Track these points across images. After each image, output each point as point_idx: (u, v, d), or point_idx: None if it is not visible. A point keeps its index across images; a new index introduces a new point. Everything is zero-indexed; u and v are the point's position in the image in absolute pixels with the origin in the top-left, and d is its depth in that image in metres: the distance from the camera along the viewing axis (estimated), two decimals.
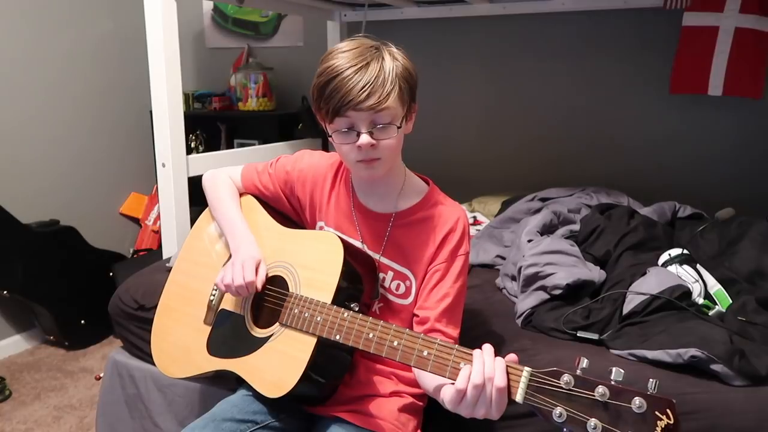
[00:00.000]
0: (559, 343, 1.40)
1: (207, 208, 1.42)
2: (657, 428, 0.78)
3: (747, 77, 2.25)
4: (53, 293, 2.71)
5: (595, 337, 1.39)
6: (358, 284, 1.18)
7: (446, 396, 0.97)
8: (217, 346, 1.25)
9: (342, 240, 1.18)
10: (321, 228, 1.30)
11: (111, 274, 2.93)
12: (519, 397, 0.89)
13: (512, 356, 0.93)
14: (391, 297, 1.24)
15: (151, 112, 2.01)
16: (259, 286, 1.19)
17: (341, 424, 1.16)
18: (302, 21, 3.14)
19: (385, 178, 1.22)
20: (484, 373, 0.90)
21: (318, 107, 1.14)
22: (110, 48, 3.13)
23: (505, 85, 2.82)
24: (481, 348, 0.95)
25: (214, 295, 1.29)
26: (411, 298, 1.23)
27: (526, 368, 0.90)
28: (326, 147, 2.84)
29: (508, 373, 0.91)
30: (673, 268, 1.54)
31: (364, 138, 1.10)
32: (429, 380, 1.09)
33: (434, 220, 1.22)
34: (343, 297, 1.13)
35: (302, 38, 3.17)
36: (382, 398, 1.20)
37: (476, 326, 1.49)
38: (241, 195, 1.39)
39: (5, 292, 2.60)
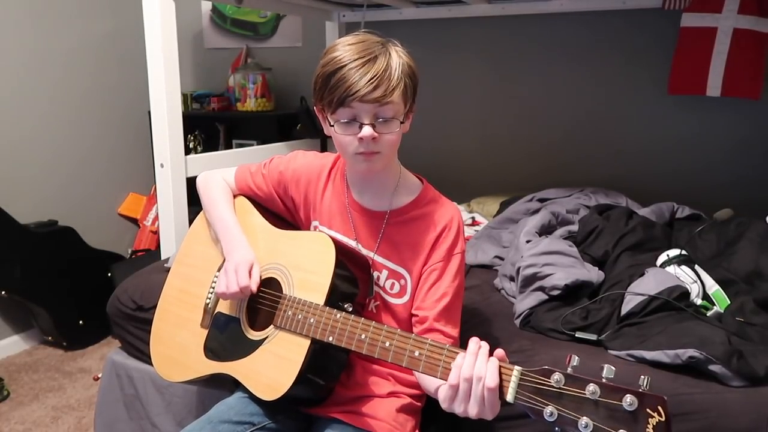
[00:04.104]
0: (557, 343, 1.40)
1: (202, 211, 1.42)
2: (649, 426, 0.78)
3: (745, 78, 2.25)
4: (51, 294, 2.71)
5: (593, 337, 1.39)
6: (351, 285, 1.17)
7: (440, 394, 0.96)
8: (213, 349, 1.25)
9: (334, 240, 1.17)
10: (315, 227, 1.30)
11: (109, 274, 2.93)
12: (510, 397, 0.89)
13: (500, 352, 0.93)
14: (385, 296, 1.24)
15: (149, 112, 2.01)
16: (254, 288, 1.19)
17: (338, 424, 1.16)
18: (301, 21, 3.14)
19: (381, 175, 1.22)
20: (474, 370, 0.90)
21: (320, 97, 1.14)
22: (109, 48, 3.13)
23: (504, 85, 2.82)
24: (477, 340, 0.95)
25: (210, 299, 1.28)
26: (406, 297, 1.23)
27: (517, 367, 0.90)
28: (325, 147, 2.83)
29: (500, 373, 0.90)
30: (671, 269, 1.54)
31: (367, 130, 1.10)
32: (428, 381, 1.09)
33: (429, 219, 1.22)
34: (336, 298, 1.13)
35: (301, 39, 3.17)
36: (380, 399, 1.20)
37: (475, 327, 1.49)
38: (234, 197, 1.39)
39: (3, 292, 2.59)
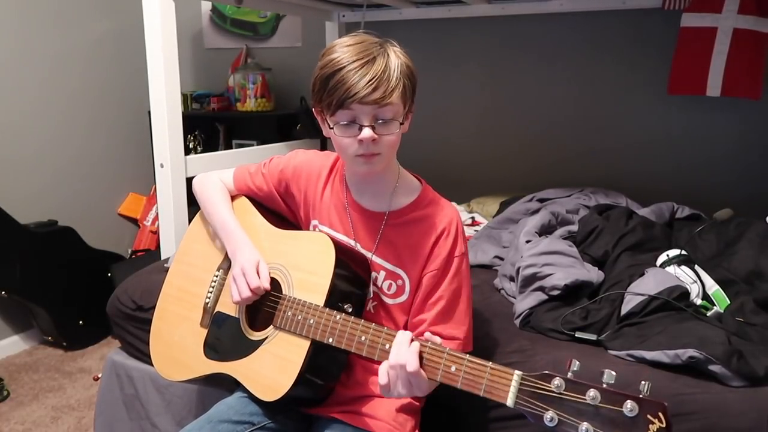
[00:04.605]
0: (557, 343, 1.40)
1: (200, 211, 1.41)
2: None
3: (745, 78, 2.25)
4: (51, 294, 2.71)
5: (593, 337, 1.39)
6: (351, 285, 1.17)
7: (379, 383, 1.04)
8: (213, 349, 1.25)
9: (334, 240, 1.17)
10: (315, 227, 1.29)
11: (109, 274, 2.93)
12: (510, 402, 0.89)
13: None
14: (383, 297, 1.23)
15: (149, 112, 2.01)
16: (267, 285, 1.19)
17: (338, 424, 1.16)
18: (301, 21, 3.14)
19: (380, 176, 1.22)
20: (398, 357, 1.00)
21: (319, 99, 1.13)
22: (109, 48, 3.13)
23: (504, 85, 2.82)
24: (402, 331, 1.05)
25: (209, 298, 1.28)
26: (404, 297, 1.22)
27: (517, 372, 0.90)
28: (325, 148, 2.83)
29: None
30: (671, 269, 1.54)
31: (367, 132, 1.09)
32: None
33: (427, 221, 1.22)
34: (335, 298, 1.13)
35: (301, 39, 3.17)
36: (380, 399, 1.20)
37: (474, 327, 1.47)
38: (233, 197, 1.39)
39: (3, 292, 2.59)
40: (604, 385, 0.82)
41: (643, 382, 0.80)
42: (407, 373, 0.98)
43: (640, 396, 0.79)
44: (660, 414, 0.77)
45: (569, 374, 0.85)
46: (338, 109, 1.10)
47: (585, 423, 0.81)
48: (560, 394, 0.84)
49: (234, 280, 1.20)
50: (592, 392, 0.82)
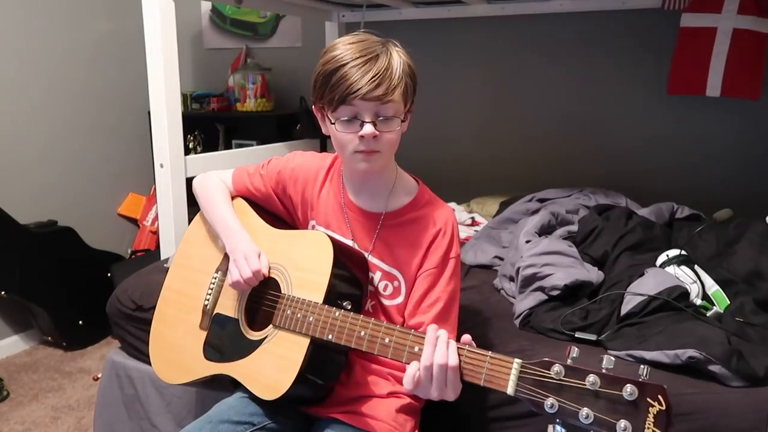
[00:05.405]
0: (557, 344, 1.40)
1: (198, 213, 1.41)
2: (649, 415, 0.78)
3: (745, 78, 2.25)
4: (51, 294, 2.71)
5: (593, 338, 1.39)
6: (350, 283, 1.17)
7: (405, 382, 1.00)
8: (212, 350, 1.25)
9: (332, 239, 1.17)
10: (313, 227, 1.30)
11: (109, 274, 2.93)
12: (510, 390, 0.89)
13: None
14: (380, 298, 1.24)
15: (149, 112, 2.01)
16: (266, 271, 1.19)
17: (338, 425, 1.15)
18: (300, 22, 3.15)
19: (377, 176, 1.22)
20: (435, 357, 0.95)
21: (321, 95, 1.14)
22: (108, 48, 3.13)
23: (504, 86, 2.82)
24: (435, 327, 1.00)
25: (208, 300, 1.28)
26: (400, 299, 1.23)
27: (516, 360, 0.90)
28: (324, 148, 2.84)
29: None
30: (671, 269, 1.54)
31: (368, 128, 1.10)
32: None
33: (424, 222, 1.22)
34: (334, 296, 1.13)
35: (300, 39, 3.18)
36: (380, 399, 1.20)
37: (474, 327, 1.49)
38: (232, 198, 1.39)
39: (3, 292, 2.59)
40: (604, 371, 0.82)
41: (642, 367, 0.81)
42: (449, 370, 0.94)
43: (640, 380, 0.80)
44: (660, 397, 0.78)
45: (568, 361, 0.85)
46: (340, 105, 1.10)
47: (585, 408, 0.82)
48: (560, 380, 0.85)
49: (234, 263, 1.21)
50: (591, 377, 0.82)
